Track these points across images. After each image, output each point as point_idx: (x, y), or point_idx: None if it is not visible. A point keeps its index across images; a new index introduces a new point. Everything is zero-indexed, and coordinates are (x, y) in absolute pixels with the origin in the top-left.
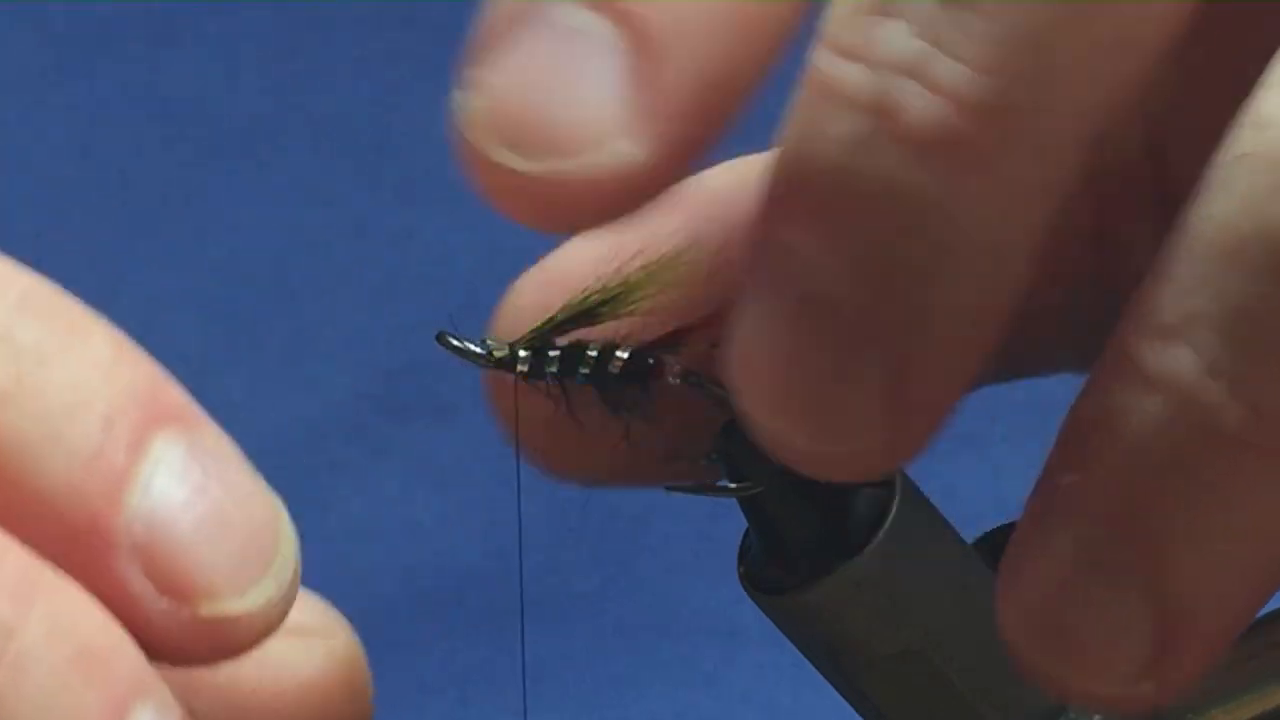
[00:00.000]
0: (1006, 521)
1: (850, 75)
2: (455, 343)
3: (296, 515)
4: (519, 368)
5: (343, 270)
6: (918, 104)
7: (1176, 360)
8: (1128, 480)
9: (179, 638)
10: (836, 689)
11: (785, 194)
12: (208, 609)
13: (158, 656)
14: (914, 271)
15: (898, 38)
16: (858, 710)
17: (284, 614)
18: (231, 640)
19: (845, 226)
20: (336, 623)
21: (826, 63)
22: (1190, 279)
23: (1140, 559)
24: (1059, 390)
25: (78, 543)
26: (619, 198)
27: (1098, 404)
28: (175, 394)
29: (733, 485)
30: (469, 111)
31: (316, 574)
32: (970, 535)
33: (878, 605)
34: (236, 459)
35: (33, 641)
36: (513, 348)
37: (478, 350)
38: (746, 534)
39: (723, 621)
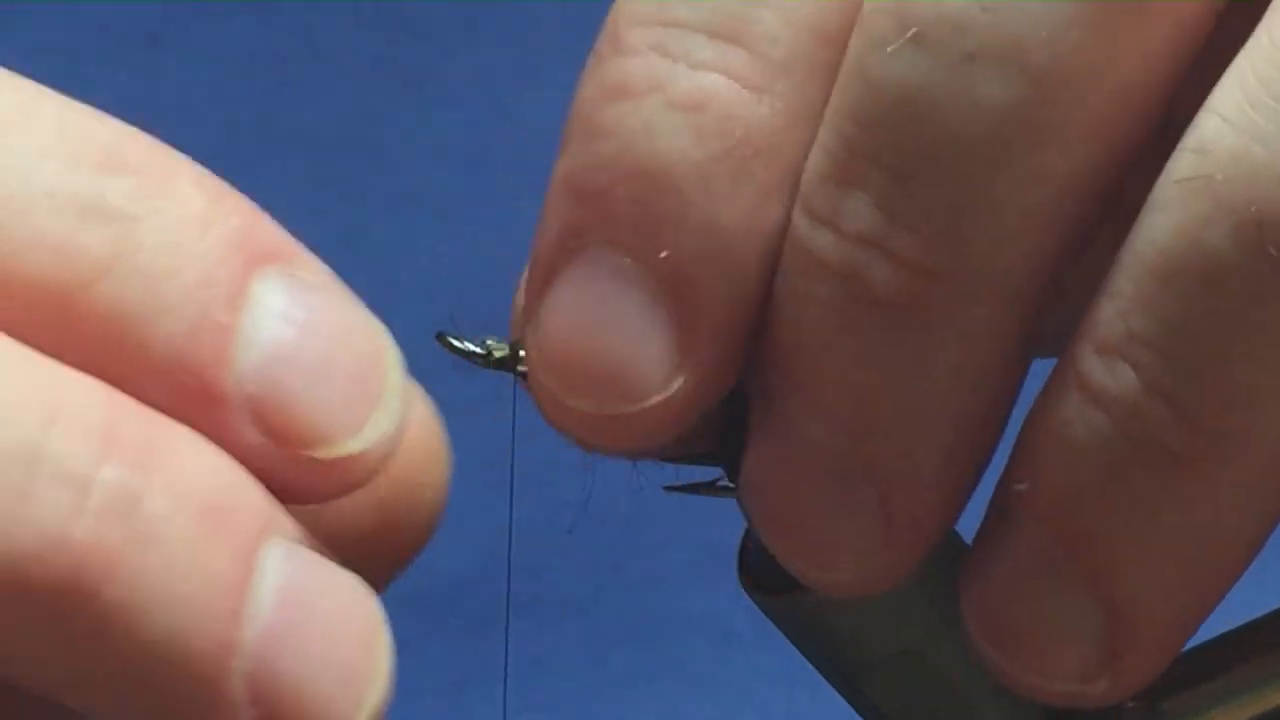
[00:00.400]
0: None
1: (823, 243)
2: (455, 342)
3: None
4: (519, 367)
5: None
6: (880, 274)
7: (1118, 377)
8: (1074, 490)
9: (298, 483)
10: (836, 689)
11: (773, 353)
12: (324, 452)
13: (278, 500)
14: (893, 420)
15: (860, 209)
16: (857, 710)
17: (398, 442)
18: (349, 478)
19: (827, 385)
20: (413, 389)
21: (804, 227)
22: (1131, 298)
23: (1086, 565)
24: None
25: (190, 403)
26: (669, 421)
27: (1048, 414)
28: (270, 230)
29: (733, 485)
30: (530, 350)
31: None
32: (970, 535)
33: (877, 605)
34: (338, 290)
35: (159, 505)
36: (513, 347)
37: (477, 350)
38: (746, 534)
39: (716, 625)
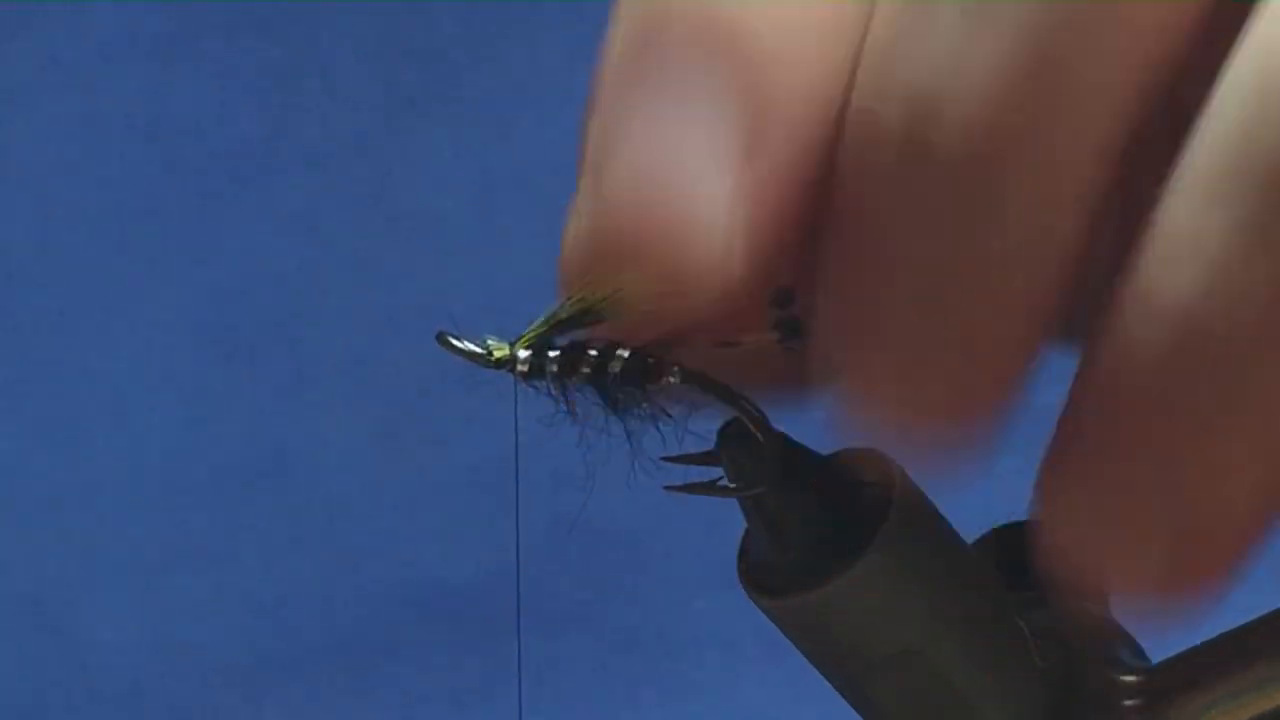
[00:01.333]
0: (1006, 522)
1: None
2: (455, 342)
3: (297, 534)
4: (519, 367)
5: (341, 298)
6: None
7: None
8: (1156, 362)
9: None
10: (837, 689)
11: (840, 226)
12: None
13: None
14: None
15: (918, 68)
16: (858, 711)
17: None
18: None
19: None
20: None
21: (867, 86)
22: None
23: (1165, 449)
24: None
25: None
26: (732, 279)
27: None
28: None
29: (733, 485)
30: (581, 225)
31: (319, 589)
32: (970, 536)
33: (878, 605)
34: None
35: None
36: (512, 347)
37: (477, 350)
38: (746, 534)
39: (720, 633)
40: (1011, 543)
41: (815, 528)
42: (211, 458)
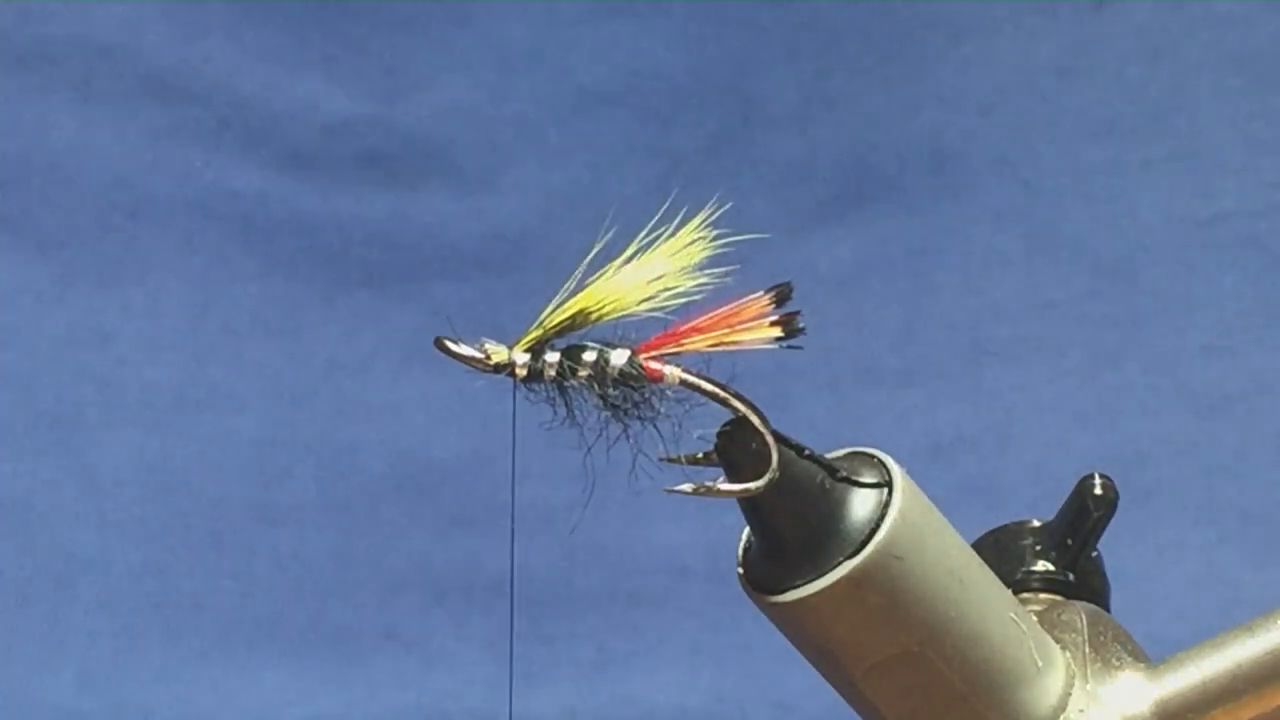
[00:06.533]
0: (1006, 522)
1: None
2: (452, 347)
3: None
4: (518, 371)
5: None
6: None
7: None
8: None
9: None
10: (836, 689)
11: None
12: None
13: None
14: None
15: None
16: (857, 710)
17: None
18: None
19: None
20: None
21: None
22: None
23: None
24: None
25: None
26: None
27: None
28: None
29: (733, 486)
30: None
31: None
32: (970, 536)
33: (878, 605)
34: None
35: None
36: (511, 351)
37: (476, 354)
38: (747, 534)
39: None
40: (1011, 542)
41: (814, 527)
42: None
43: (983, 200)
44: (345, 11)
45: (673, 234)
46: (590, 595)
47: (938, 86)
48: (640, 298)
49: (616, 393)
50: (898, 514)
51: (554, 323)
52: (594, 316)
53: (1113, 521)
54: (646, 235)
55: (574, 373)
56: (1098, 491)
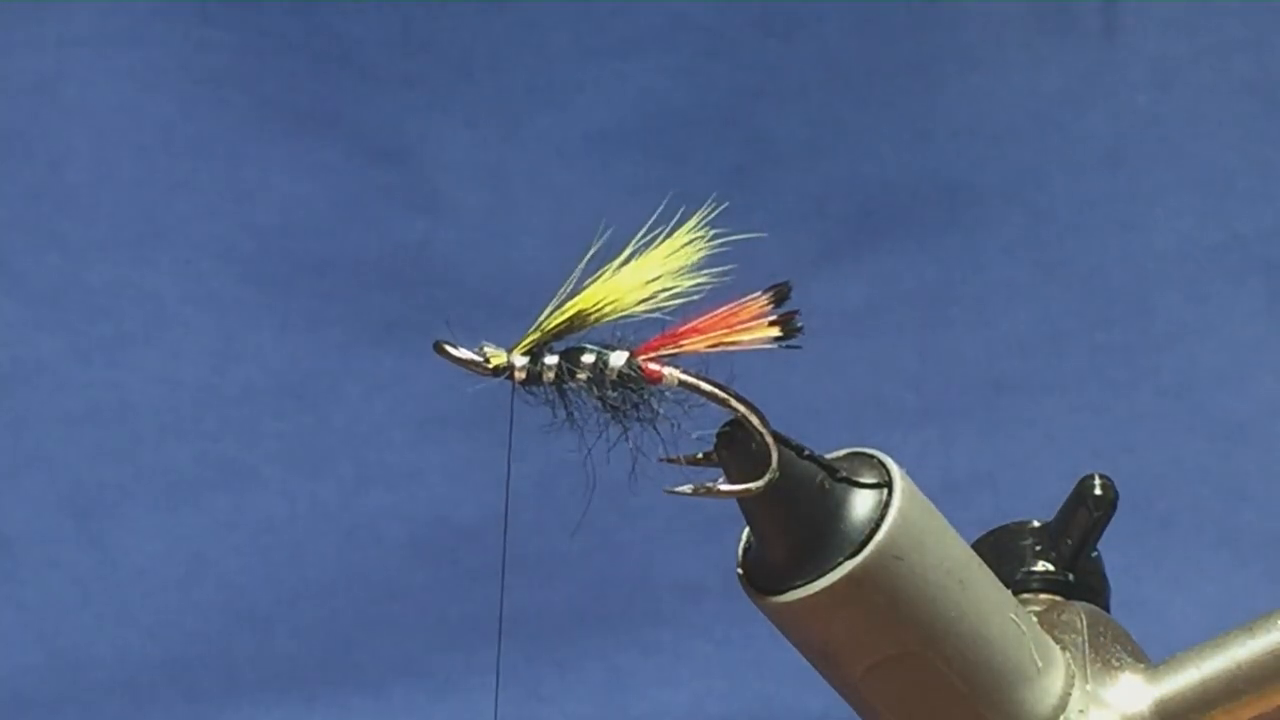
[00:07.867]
0: (1007, 522)
1: None
2: (451, 351)
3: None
4: (516, 374)
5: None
6: None
7: None
8: None
9: None
10: (835, 689)
11: None
12: None
13: None
14: None
15: None
16: (857, 711)
17: None
18: None
19: None
20: None
21: None
22: None
23: None
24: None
25: None
26: None
27: None
28: None
29: (733, 486)
30: None
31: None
32: (970, 536)
33: (877, 605)
34: None
35: None
36: (510, 354)
37: (475, 358)
38: (747, 535)
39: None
40: (1011, 542)
41: (814, 527)
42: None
43: (995, 231)
44: (347, 71)
45: (670, 235)
46: (601, 615)
47: (947, 119)
48: (638, 299)
49: (616, 394)
50: (897, 514)
51: (552, 325)
52: (592, 318)
53: (1131, 549)
54: (644, 236)
55: (573, 375)
56: (1097, 492)
